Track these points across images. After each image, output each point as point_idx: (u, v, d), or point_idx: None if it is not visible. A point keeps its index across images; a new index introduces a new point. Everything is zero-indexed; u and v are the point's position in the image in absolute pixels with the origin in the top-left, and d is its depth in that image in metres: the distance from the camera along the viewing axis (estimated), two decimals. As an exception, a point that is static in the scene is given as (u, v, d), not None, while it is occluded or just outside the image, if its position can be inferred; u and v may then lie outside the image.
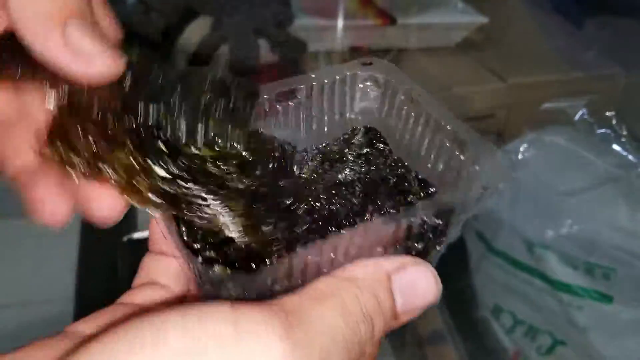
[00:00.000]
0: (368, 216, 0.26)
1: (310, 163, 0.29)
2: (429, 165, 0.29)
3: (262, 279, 0.22)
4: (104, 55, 0.22)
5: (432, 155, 0.29)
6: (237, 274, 0.22)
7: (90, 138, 0.23)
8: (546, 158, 0.67)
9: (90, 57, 0.21)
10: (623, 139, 0.65)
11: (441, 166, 0.29)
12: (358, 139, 0.30)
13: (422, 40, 0.80)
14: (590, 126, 0.66)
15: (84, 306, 0.51)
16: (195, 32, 0.67)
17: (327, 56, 0.75)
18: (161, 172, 0.23)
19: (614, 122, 0.65)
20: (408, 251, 0.25)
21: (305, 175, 0.28)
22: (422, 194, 0.28)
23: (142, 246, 0.47)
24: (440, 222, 0.25)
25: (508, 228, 0.70)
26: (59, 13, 0.21)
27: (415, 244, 0.25)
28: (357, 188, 0.28)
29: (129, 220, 0.58)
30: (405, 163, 0.29)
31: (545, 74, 0.78)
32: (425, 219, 0.24)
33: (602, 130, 0.66)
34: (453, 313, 0.76)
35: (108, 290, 0.51)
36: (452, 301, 0.75)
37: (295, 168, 0.29)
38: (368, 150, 0.30)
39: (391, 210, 0.27)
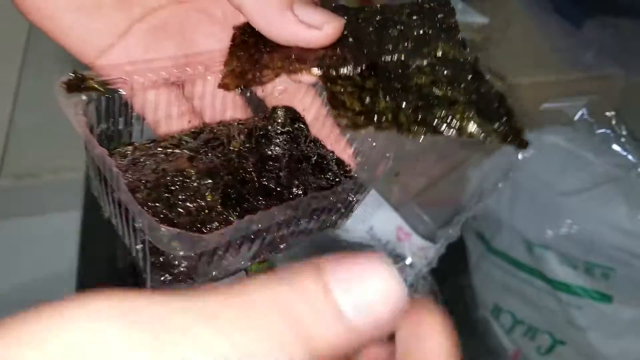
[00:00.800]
0: (295, 190, 0.28)
1: (237, 137, 0.30)
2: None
3: (205, 242, 0.22)
4: (331, 24, 0.25)
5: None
6: (183, 233, 0.22)
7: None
8: (546, 158, 0.67)
9: (320, 26, 0.25)
10: (622, 139, 0.65)
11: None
12: (279, 116, 0.31)
13: (422, 40, 0.80)
14: (590, 126, 0.66)
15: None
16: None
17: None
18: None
19: (613, 122, 0.65)
20: (323, 223, 0.28)
21: (234, 148, 0.29)
22: (340, 172, 0.30)
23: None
24: (354, 199, 0.28)
25: (508, 228, 0.70)
26: (282, 1, 0.24)
27: (331, 217, 0.28)
28: (282, 163, 0.29)
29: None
30: (321, 142, 0.31)
31: (545, 75, 0.78)
32: (349, 197, 0.27)
33: (602, 131, 0.66)
34: (453, 313, 0.75)
35: (109, 283, 0.52)
36: (452, 301, 0.75)
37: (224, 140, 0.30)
38: (289, 128, 0.31)
39: (314, 185, 0.29)
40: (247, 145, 0.30)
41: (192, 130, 0.29)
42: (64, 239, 0.58)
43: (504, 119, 0.26)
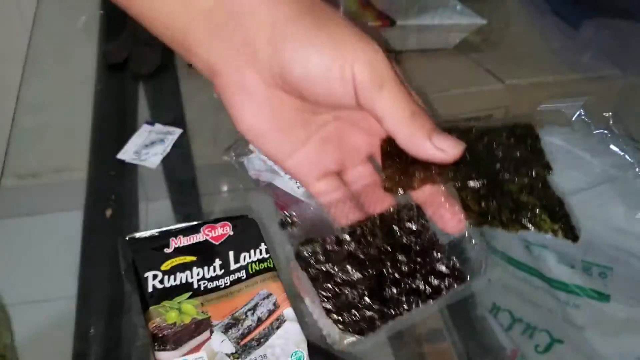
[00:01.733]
0: (417, 282, 0.41)
1: (378, 233, 0.42)
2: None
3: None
4: (456, 148, 0.36)
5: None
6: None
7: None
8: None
9: (449, 150, 0.35)
10: (620, 140, 0.65)
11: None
12: (409, 214, 0.42)
13: (421, 42, 0.81)
14: (587, 126, 0.67)
15: (87, 305, 0.51)
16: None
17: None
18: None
19: (610, 122, 0.66)
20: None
21: (377, 245, 0.42)
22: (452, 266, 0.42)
23: (143, 245, 0.48)
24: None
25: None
26: (423, 129, 0.35)
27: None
28: (410, 257, 0.41)
29: (131, 219, 0.59)
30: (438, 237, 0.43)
31: (543, 75, 0.78)
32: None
33: (599, 131, 0.66)
34: (451, 312, 0.76)
35: (110, 288, 0.52)
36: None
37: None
38: (417, 226, 0.42)
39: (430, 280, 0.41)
40: (385, 241, 0.41)
41: (349, 229, 0.41)
42: (66, 239, 0.59)
43: (564, 219, 0.38)
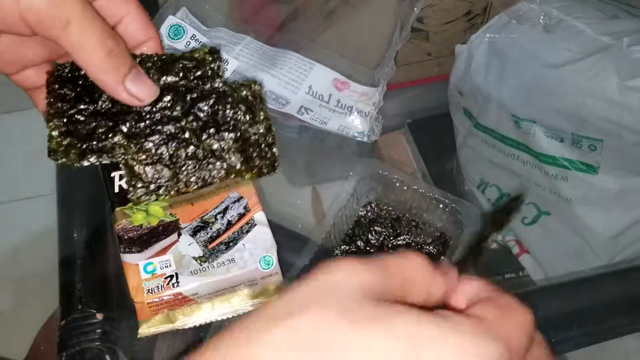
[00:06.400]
0: None
1: None
2: None
3: None
4: (149, 95, 0.35)
5: None
6: None
7: None
8: (534, 29, 0.64)
9: (143, 98, 0.35)
10: (614, 6, 0.61)
11: None
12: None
13: None
14: (583, -7, 0.62)
15: (67, 204, 0.51)
16: None
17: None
18: None
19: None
20: None
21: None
22: None
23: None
24: None
25: (495, 103, 0.69)
26: (117, 72, 0.33)
27: None
28: None
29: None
30: None
31: None
32: None
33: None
34: (440, 188, 0.77)
35: (89, 187, 0.52)
36: (439, 179, 0.76)
37: None
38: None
39: None
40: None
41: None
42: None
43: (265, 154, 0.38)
